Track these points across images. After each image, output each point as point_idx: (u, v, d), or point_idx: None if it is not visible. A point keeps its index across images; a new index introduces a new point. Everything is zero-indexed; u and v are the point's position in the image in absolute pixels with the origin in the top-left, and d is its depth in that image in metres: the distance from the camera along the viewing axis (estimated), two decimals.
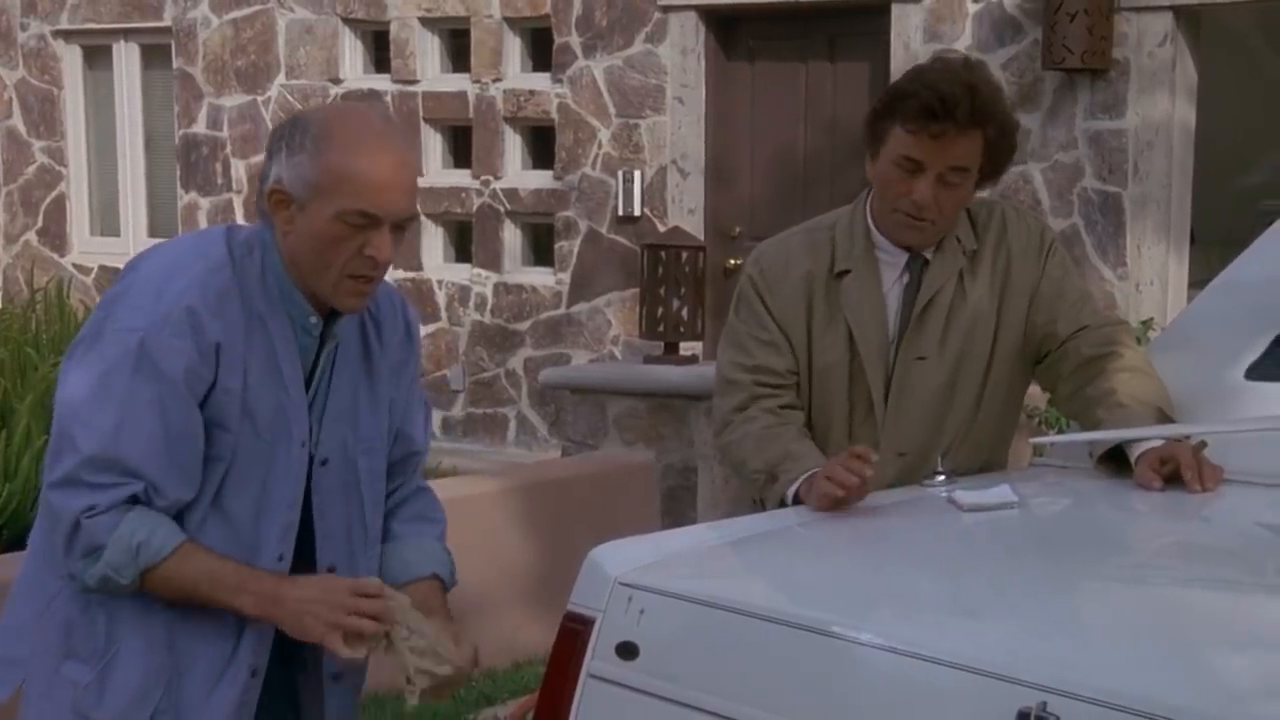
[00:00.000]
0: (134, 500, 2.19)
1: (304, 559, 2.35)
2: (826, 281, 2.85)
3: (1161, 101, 7.00)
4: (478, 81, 8.61)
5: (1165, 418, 2.69)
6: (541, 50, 8.56)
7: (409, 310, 2.51)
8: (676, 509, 6.18)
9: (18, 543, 5.00)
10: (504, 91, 8.54)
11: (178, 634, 2.26)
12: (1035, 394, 3.23)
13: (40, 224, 10.27)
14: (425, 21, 8.78)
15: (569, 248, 8.43)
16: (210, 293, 2.21)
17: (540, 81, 8.50)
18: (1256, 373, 2.76)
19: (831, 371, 2.84)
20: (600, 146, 8.31)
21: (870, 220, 2.85)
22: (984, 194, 2.92)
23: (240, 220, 9.38)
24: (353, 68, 9.08)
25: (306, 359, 2.31)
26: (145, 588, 2.21)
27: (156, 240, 9.83)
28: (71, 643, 2.27)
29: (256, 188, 2.29)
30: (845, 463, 2.50)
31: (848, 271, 2.84)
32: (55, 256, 10.16)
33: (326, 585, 2.27)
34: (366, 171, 2.18)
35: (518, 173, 8.64)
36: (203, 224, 9.54)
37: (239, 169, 9.39)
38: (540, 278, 8.59)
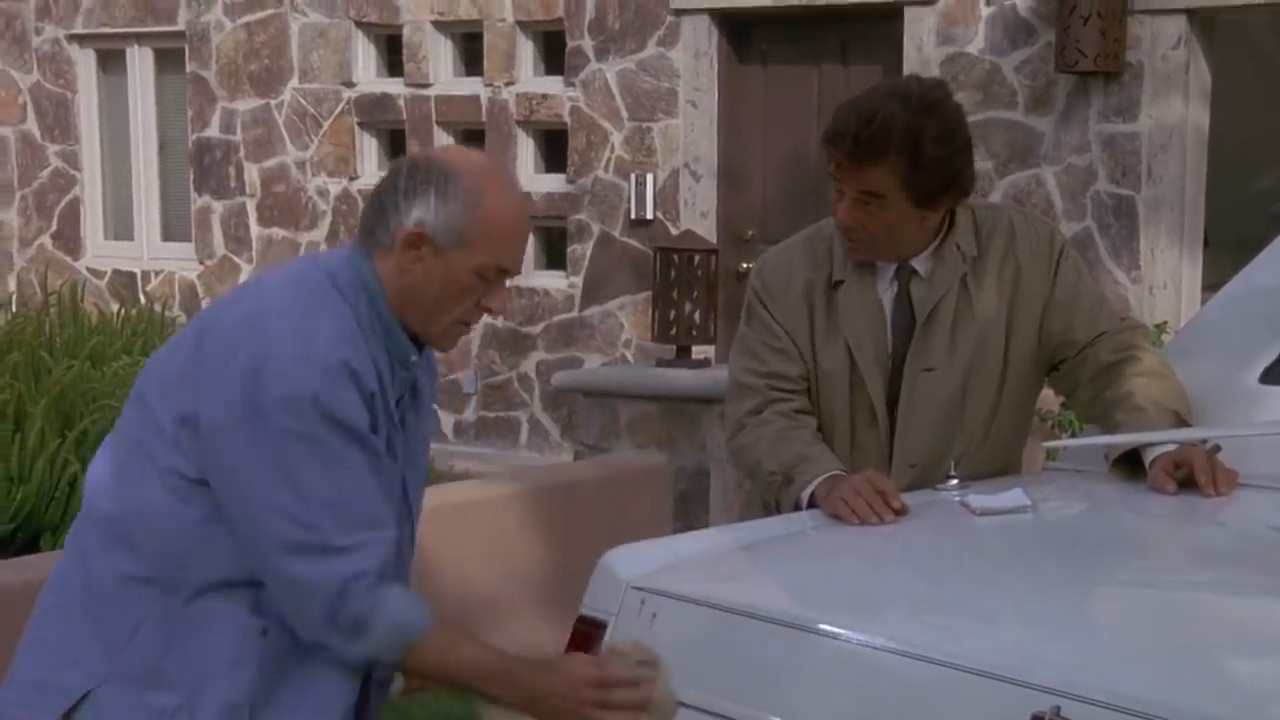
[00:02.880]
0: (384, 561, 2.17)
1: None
2: (825, 291, 2.85)
3: (1175, 104, 6.99)
4: (490, 85, 8.62)
5: (1182, 421, 2.68)
6: (554, 53, 8.57)
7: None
8: (689, 513, 6.18)
9: (31, 545, 5.01)
10: (516, 95, 8.55)
11: (275, 668, 2.23)
12: (1048, 397, 3.22)
13: (54, 228, 10.30)
14: (438, 25, 8.80)
15: (581, 251, 8.44)
16: (351, 344, 2.19)
17: (553, 85, 8.51)
18: (1271, 376, 2.75)
19: (833, 379, 2.84)
20: (613, 150, 8.31)
21: None
22: (995, 198, 2.90)
23: (253, 223, 9.39)
24: (365, 71, 9.10)
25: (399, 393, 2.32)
26: (403, 666, 2.20)
27: (170, 244, 9.89)
28: (159, 670, 2.23)
29: (389, 226, 2.24)
30: (869, 496, 2.50)
31: (843, 281, 2.85)
32: (69, 260, 10.18)
33: (571, 678, 2.16)
34: (513, 231, 2.27)
35: (530, 176, 8.65)
36: (216, 228, 9.56)
37: (252, 172, 9.41)
38: (552, 281, 8.60)
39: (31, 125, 10.30)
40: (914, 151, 2.66)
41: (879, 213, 2.72)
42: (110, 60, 10.14)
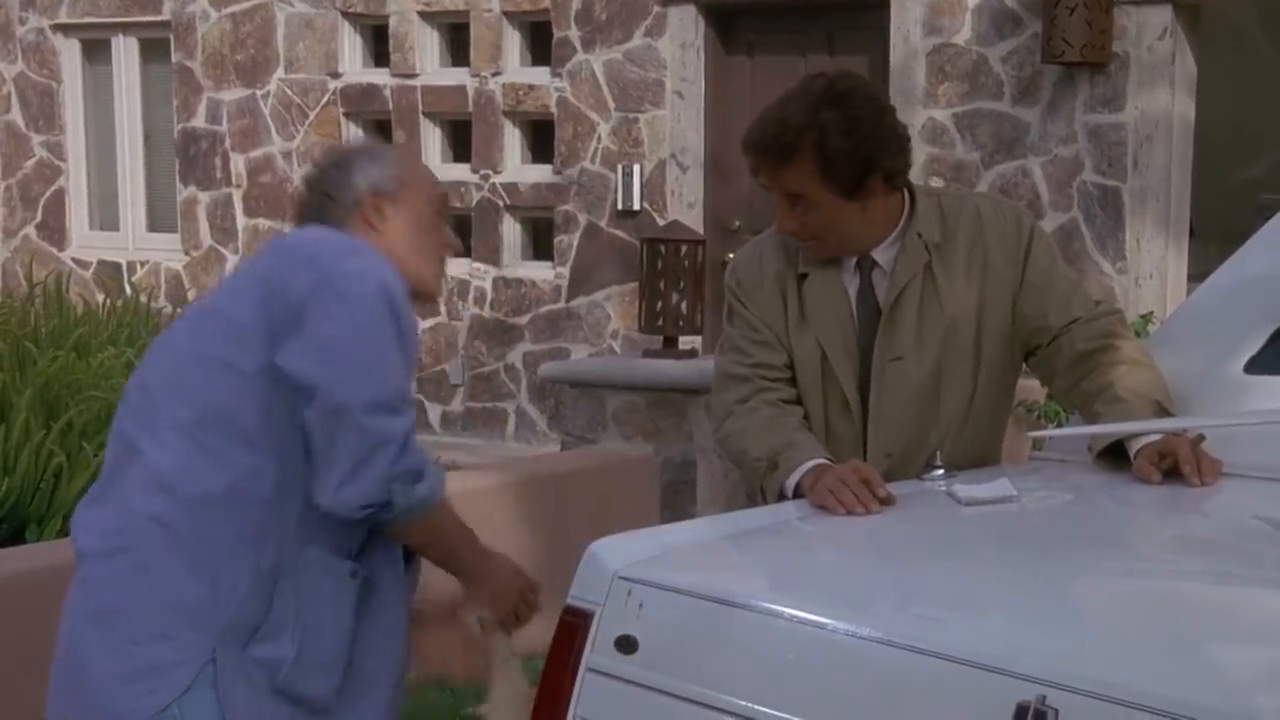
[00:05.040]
0: None
1: None
2: (795, 282, 2.88)
3: (1161, 95, 7.00)
4: (477, 75, 8.61)
5: (1163, 410, 2.68)
6: (541, 44, 8.56)
7: None
8: (675, 503, 6.18)
9: (16, 536, 5.00)
10: (503, 85, 8.54)
11: (361, 610, 2.41)
12: (1034, 388, 3.23)
13: (39, 218, 10.27)
14: (424, 15, 8.78)
15: (568, 242, 8.44)
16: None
17: (539, 75, 8.50)
18: (1256, 366, 2.76)
19: (806, 368, 2.86)
20: (600, 140, 8.31)
21: None
22: (982, 188, 2.91)
23: (239, 214, 9.37)
24: (352, 61, 9.08)
25: None
26: (413, 525, 2.40)
27: (156, 235, 9.86)
28: (264, 623, 2.33)
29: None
30: (855, 487, 2.51)
31: (808, 274, 2.87)
32: (54, 251, 10.16)
33: (511, 564, 2.62)
34: (425, 168, 2.68)
35: (517, 167, 8.64)
36: (202, 219, 9.53)
37: (238, 163, 9.39)
38: (539, 272, 8.59)
39: (16, 115, 10.26)
40: (819, 146, 2.69)
41: (812, 212, 2.75)
42: (95, 50, 10.11)
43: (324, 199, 2.53)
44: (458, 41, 8.82)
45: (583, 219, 8.37)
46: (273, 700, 2.35)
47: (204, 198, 9.55)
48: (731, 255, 7.72)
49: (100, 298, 8.17)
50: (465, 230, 8.81)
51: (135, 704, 2.33)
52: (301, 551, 2.35)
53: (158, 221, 9.95)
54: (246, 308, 2.36)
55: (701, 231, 7.71)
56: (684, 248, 6.93)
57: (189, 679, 2.31)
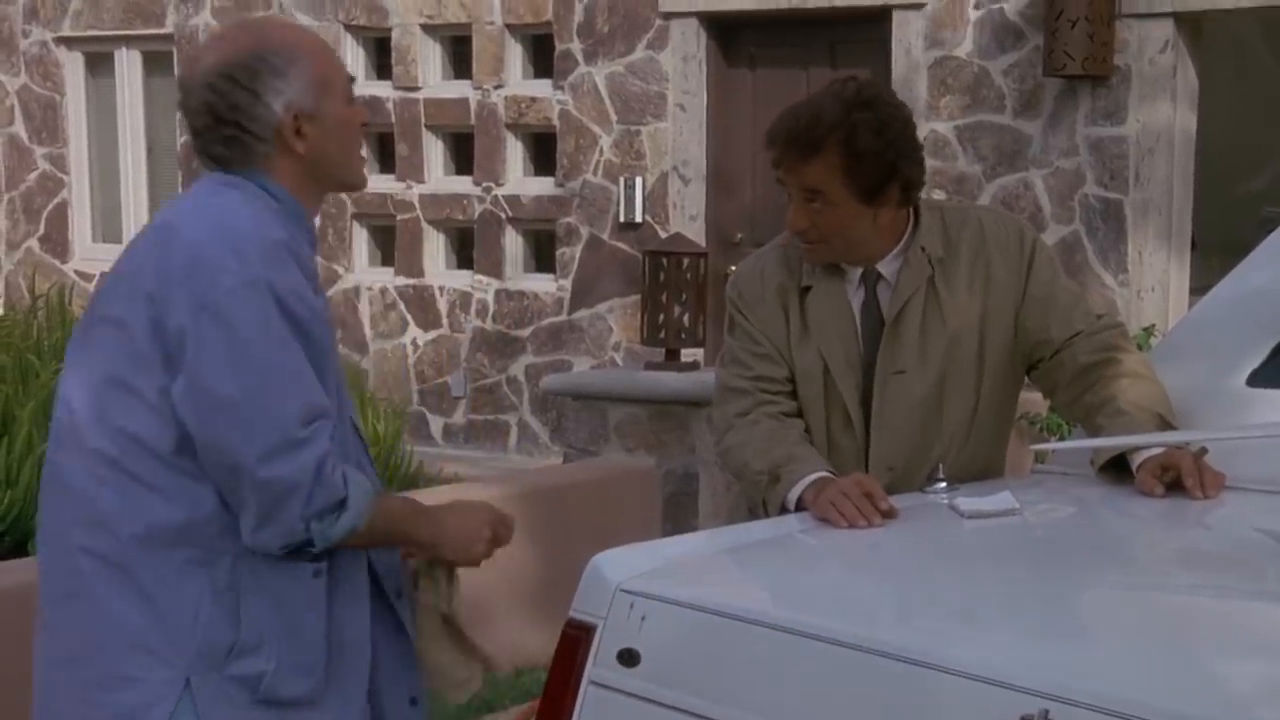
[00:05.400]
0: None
1: None
2: (797, 295, 2.88)
3: (1162, 108, 7.01)
4: (479, 88, 8.62)
5: (1165, 424, 2.69)
6: (543, 57, 8.58)
7: None
8: (678, 516, 6.18)
9: (19, 549, 5.00)
10: (505, 98, 8.55)
11: (327, 608, 2.32)
12: (1037, 400, 3.23)
13: (42, 231, 10.28)
14: (427, 28, 8.79)
15: (570, 254, 8.44)
16: (274, 218, 2.29)
17: (542, 88, 8.51)
18: (1258, 379, 2.76)
19: (808, 381, 2.86)
20: (602, 153, 8.31)
21: None
22: (983, 201, 2.91)
23: None
24: (354, 74, 9.08)
25: None
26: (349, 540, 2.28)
27: None
28: (237, 640, 2.25)
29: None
30: (857, 499, 2.51)
31: (812, 286, 2.87)
32: (57, 263, 10.16)
33: (477, 508, 2.52)
34: (323, 47, 2.46)
35: (519, 179, 8.65)
36: None
37: None
38: (542, 284, 8.60)
39: (19, 128, 10.27)
40: (848, 143, 2.71)
41: (826, 211, 2.75)
42: (98, 63, 10.12)
43: (237, 132, 2.31)
44: (460, 54, 8.83)
45: (585, 231, 8.38)
46: (255, 709, 2.28)
47: None
48: (733, 268, 7.75)
49: None
50: (468, 243, 8.81)
51: None
52: (259, 562, 2.25)
53: None
54: (140, 328, 2.22)
55: (703, 244, 7.71)
56: (686, 260, 6.94)
57: (165, 717, 2.24)
